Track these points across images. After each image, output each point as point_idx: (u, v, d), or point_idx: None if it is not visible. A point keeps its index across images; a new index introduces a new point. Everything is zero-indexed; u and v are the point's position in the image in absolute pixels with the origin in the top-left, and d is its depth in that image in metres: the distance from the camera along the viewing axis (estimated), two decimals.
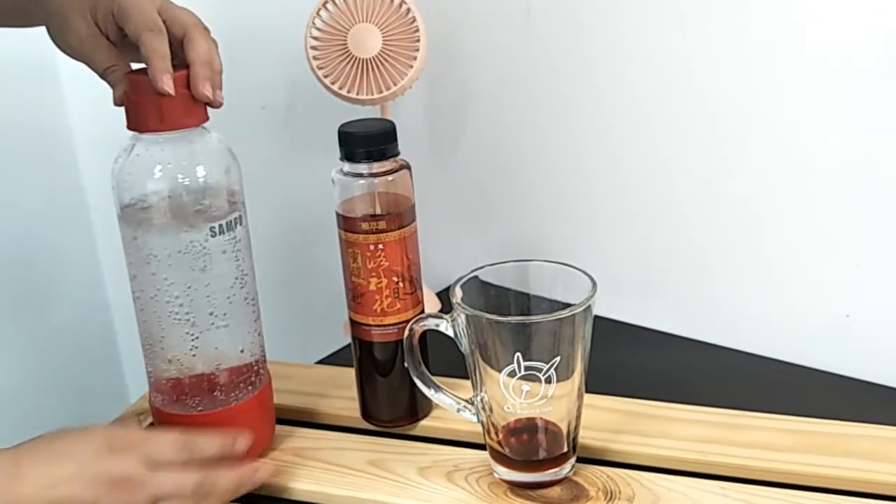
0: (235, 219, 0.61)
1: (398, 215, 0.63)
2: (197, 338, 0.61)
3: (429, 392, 0.62)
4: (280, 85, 0.96)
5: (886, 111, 0.68)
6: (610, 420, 0.66)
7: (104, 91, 0.92)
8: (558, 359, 0.57)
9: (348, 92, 0.79)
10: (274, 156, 0.99)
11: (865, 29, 0.67)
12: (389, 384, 0.67)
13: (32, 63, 0.90)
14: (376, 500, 0.61)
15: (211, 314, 0.61)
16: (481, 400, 0.60)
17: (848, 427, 0.64)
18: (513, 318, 0.57)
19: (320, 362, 0.81)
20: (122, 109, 0.96)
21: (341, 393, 0.72)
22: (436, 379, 0.63)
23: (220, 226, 0.60)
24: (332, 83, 0.79)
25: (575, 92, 0.83)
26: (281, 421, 0.70)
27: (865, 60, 0.68)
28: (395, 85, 0.78)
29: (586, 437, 0.63)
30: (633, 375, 0.75)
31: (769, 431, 0.64)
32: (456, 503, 0.60)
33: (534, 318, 0.56)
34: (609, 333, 0.81)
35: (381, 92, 0.78)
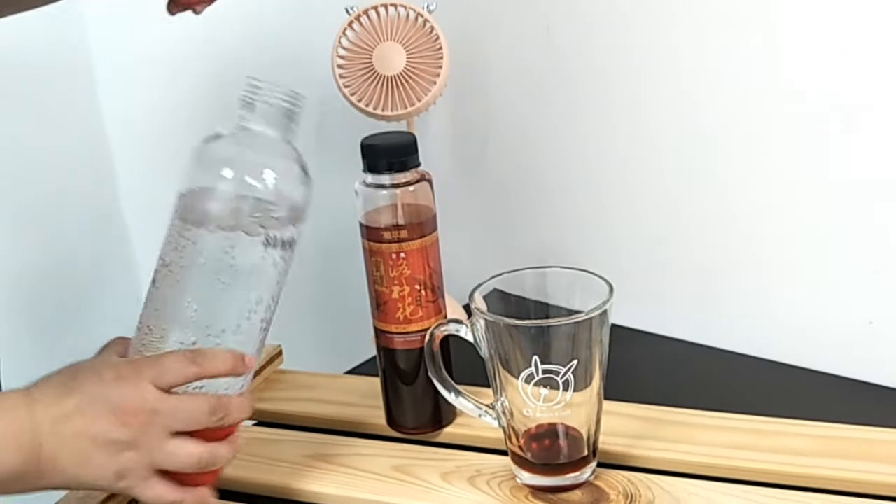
0: (291, 239, 0.58)
1: (420, 224, 0.65)
2: (195, 342, 0.57)
3: (449, 396, 0.63)
4: (309, 105, 0.98)
5: None
6: (632, 426, 0.67)
7: (139, 93, 0.94)
8: (575, 363, 0.57)
9: (374, 109, 0.81)
10: None
11: (870, 28, 0.68)
12: (413, 391, 0.68)
13: (66, 67, 0.92)
14: (399, 503, 0.62)
15: (222, 325, 0.57)
16: (502, 405, 0.61)
17: (871, 432, 0.64)
18: (530, 322, 0.58)
19: (349, 373, 0.83)
20: (155, 114, 0.98)
21: (368, 402, 0.73)
22: (458, 385, 0.64)
23: (275, 238, 0.57)
24: (359, 101, 0.81)
25: (594, 106, 0.84)
26: (309, 429, 0.71)
27: (875, 59, 0.68)
28: (419, 101, 0.80)
29: (608, 443, 0.64)
30: (656, 384, 0.76)
31: (792, 437, 0.64)
32: None
33: (551, 322, 0.57)
34: (631, 343, 0.82)
35: (405, 108, 0.80)
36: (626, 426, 0.66)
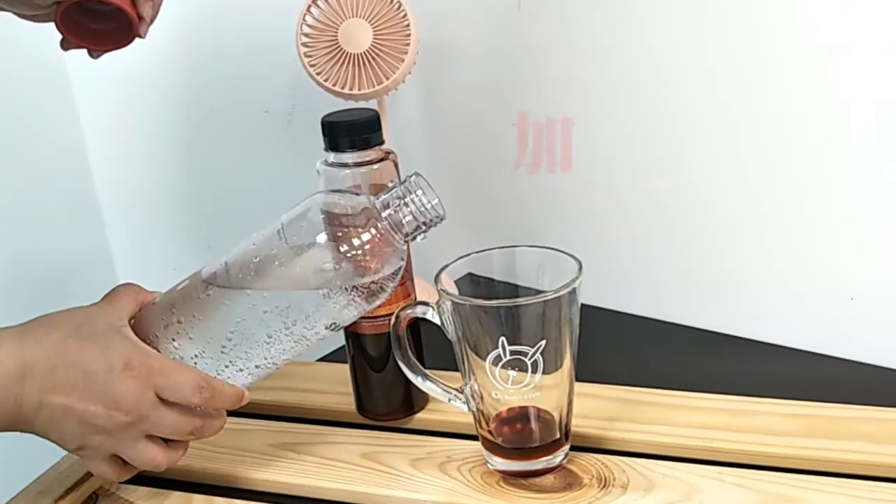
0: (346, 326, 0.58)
1: None
2: (206, 363, 0.58)
3: (416, 380, 0.62)
4: (281, 88, 0.97)
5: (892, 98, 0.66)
6: (606, 408, 0.65)
7: (116, 103, 0.93)
8: (544, 342, 0.56)
9: (341, 88, 0.78)
10: (278, 158, 0.99)
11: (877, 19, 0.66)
12: (383, 377, 0.66)
13: (43, 75, 0.90)
14: (366, 492, 0.60)
15: (242, 365, 0.58)
16: (471, 388, 0.59)
17: (851, 410, 0.63)
18: (496, 302, 0.56)
19: (321, 360, 0.81)
20: (133, 119, 0.96)
21: (339, 389, 0.71)
22: (426, 370, 0.62)
23: (337, 325, 0.57)
24: (325, 80, 0.79)
25: (565, 84, 0.82)
26: (278, 418, 0.70)
27: (873, 56, 0.66)
28: (387, 79, 0.78)
29: (583, 425, 0.62)
30: (630, 365, 0.74)
31: (771, 416, 0.63)
32: (447, 494, 0.59)
33: (518, 301, 0.55)
34: (605, 323, 0.80)
35: (373, 87, 0.78)
36: (600, 408, 0.65)
